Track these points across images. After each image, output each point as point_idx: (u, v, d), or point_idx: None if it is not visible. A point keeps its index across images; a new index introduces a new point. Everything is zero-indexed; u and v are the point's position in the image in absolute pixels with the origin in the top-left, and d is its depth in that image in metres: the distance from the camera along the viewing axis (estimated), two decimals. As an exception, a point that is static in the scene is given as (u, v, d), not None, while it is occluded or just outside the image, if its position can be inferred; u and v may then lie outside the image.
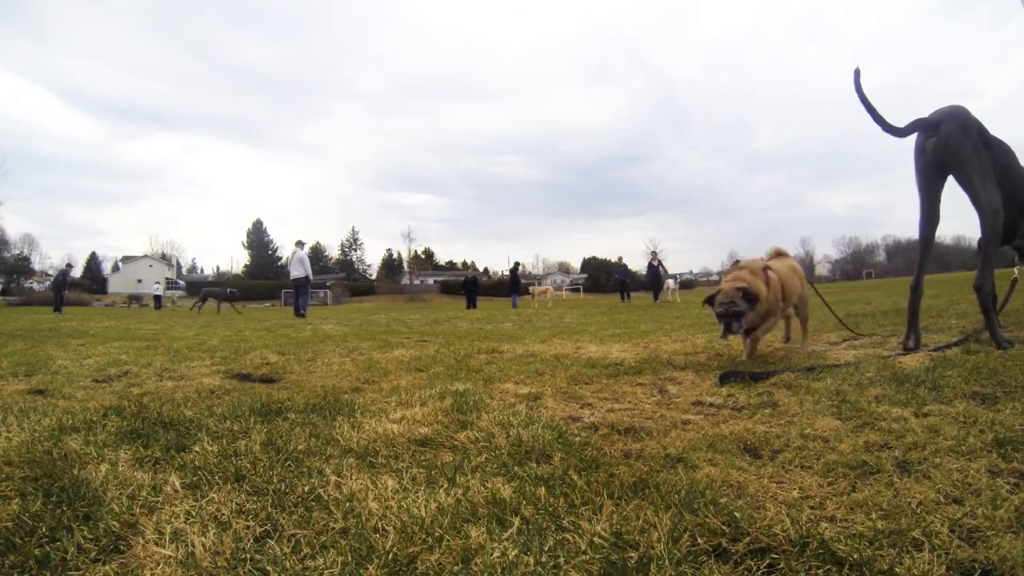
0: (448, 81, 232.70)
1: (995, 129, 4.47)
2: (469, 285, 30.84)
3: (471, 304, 29.10)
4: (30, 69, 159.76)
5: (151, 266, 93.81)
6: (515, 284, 29.89)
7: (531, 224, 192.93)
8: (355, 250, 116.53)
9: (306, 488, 1.90)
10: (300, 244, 18.65)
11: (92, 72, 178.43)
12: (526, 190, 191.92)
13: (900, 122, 4.52)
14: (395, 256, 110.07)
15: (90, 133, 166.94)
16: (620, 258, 34.48)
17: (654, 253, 27.82)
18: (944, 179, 4.52)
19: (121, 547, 1.56)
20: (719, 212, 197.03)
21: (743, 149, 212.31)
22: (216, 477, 2.02)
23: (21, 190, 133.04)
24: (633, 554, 1.46)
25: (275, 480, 1.98)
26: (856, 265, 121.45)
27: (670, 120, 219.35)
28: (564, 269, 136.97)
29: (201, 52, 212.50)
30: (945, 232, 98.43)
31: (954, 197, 4.52)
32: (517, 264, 31.34)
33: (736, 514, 1.63)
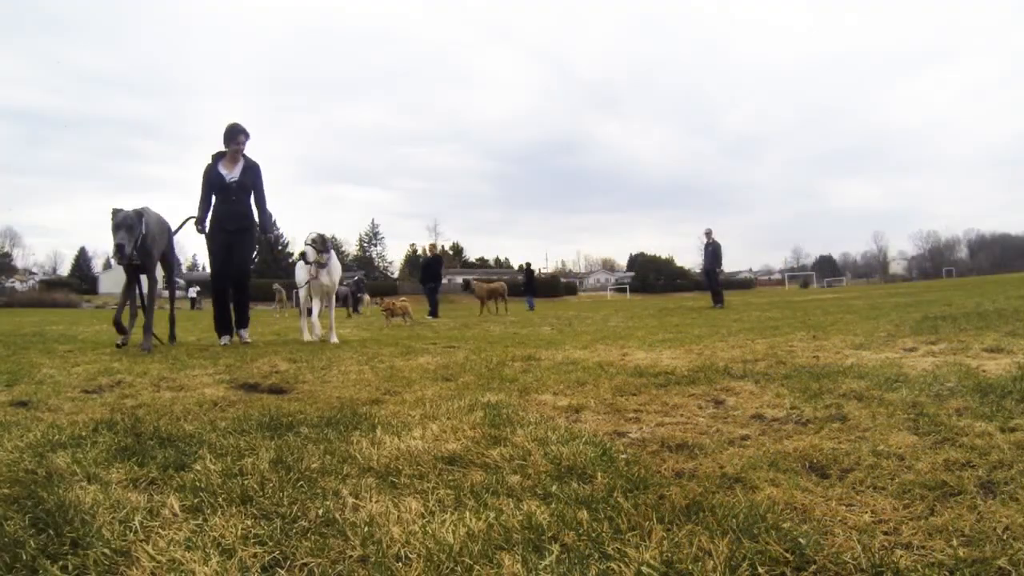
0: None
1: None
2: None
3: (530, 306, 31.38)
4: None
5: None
6: (530, 285, 32.71)
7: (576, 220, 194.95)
8: (375, 245, 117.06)
9: (320, 511, 1.92)
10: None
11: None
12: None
13: None
14: (419, 252, 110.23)
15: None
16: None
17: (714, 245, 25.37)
18: None
19: (114, 577, 1.58)
20: (736, 206, 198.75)
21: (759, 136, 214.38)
22: (219, 499, 2.04)
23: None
24: (686, 586, 1.45)
25: (285, 502, 2.00)
26: (935, 263, 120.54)
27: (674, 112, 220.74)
28: (609, 267, 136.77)
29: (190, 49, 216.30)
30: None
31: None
32: (529, 264, 34.76)
33: (801, 540, 1.62)
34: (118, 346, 8.02)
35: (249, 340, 9.36)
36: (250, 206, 9.42)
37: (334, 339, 9.34)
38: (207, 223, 9.17)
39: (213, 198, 9.23)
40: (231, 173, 9.19)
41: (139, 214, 7.99)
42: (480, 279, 29.88)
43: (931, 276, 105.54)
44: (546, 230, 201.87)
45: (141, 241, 8.02)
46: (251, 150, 9.41)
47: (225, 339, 9.07)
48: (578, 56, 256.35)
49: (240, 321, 9.53)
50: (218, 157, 9.29)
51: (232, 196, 9.20)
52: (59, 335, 11.03)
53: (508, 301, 26.50)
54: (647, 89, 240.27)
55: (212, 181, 9.18)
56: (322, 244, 9.61)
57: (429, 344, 8.37)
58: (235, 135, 9.24)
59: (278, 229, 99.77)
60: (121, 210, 7.97)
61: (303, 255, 9.66)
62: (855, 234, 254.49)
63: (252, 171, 9.37)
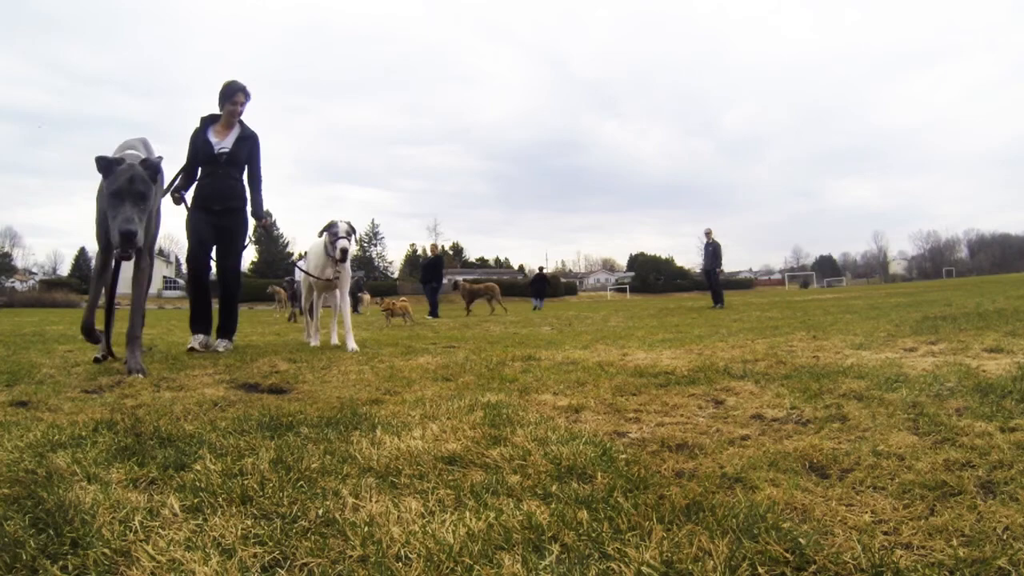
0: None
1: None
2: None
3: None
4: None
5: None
6: (540, 285, 33.48)
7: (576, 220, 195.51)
8: (375, 245, 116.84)
9: (320, 511, 1.92)
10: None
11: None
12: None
13: None
14: (419, 252, 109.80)
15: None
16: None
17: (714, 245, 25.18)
18: None
19: (114, 577, 1.58)
20: (736, 206, 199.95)
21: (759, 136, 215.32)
22: (219, 499, 2.04)
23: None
24: (686, 586, 1.45)
25: (285, 502, 2.00)
26: (935, 263, 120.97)
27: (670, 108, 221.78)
28: (609, 267, 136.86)
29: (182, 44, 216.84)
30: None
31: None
32: (542, 268, 36.47)
33: (801, 540, 1.62)
34: (97, 360, 5.99)
35: (221, 349, 7.57)
36: (242, 183, 7.80)
37: (352, 345, 7.73)
38: (187, 197, 7.54)
39: (199, 170, 7.66)
40: (222, 141, 7.57)
41: (152, 171, 5.41)
42: (473, 280, 30.25)
43: (931, 276, 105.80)
44: (546, 230, 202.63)
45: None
46: (251, 121, 7.95)
47: (199, 339, 7.46)
48: (577, 56, 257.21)
49: (226, 327, 7.93)
50: (209, 121, 7.71)
51: (220, 169, 7.55)
52: (59, 335, 10.99)
53: (504, 301, 26.56)
54: (646, 89, 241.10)
55: (198, 149, 7.56)
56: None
57: (429, 344, 8.36)
58: (232, 93, 7.58)
59: (277, 229, 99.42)
60: (120, 162, 5.28)
61: (343, 252, 8.01)
62: (855, 234, 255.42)
63: (248, 142, 7.72)
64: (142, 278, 5.96)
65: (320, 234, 8.42)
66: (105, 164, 5.21)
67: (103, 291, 6.13)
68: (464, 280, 29.39)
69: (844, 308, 13.96)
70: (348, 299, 8.64)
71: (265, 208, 7.91)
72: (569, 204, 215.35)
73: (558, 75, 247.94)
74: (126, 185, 5.10)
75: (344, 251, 8.04)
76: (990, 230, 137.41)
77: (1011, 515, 1.76)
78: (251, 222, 7.93)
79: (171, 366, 5.88)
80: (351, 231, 8.19)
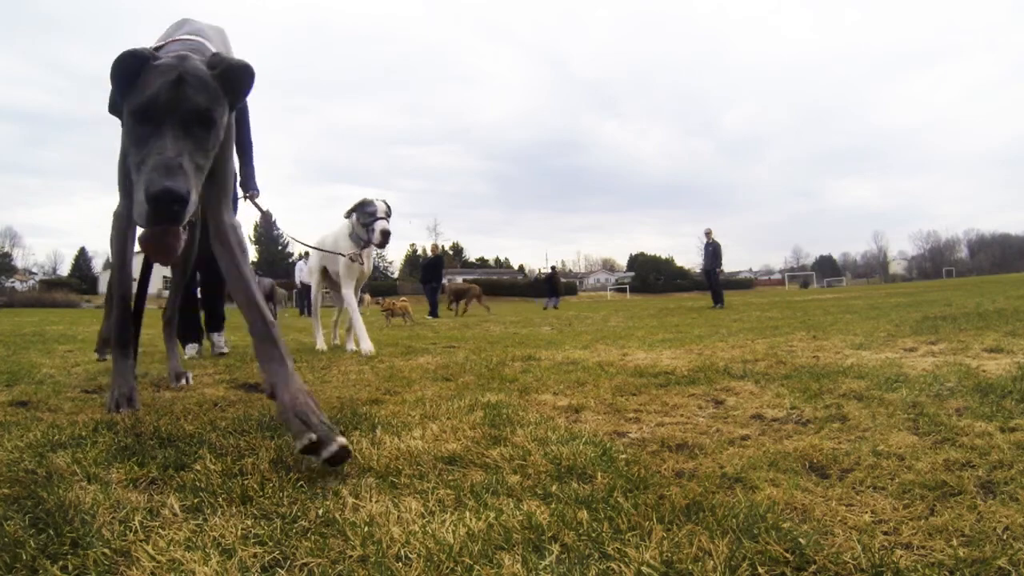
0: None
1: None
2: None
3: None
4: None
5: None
6: (552, 284, 33.57)
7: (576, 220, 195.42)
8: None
9: (320, 511, 1.92)
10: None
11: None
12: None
13: None
14: (419, 252, 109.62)
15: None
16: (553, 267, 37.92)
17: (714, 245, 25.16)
18: None
19: (114, 577, 1.58)
20: (736, 206, 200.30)
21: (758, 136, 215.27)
22: (219, 499, 2.04)
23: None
24: (686, 586, 1.45)
25: (285, 502, 2.00)
26: (935, 263, 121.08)
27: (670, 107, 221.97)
28: (609, 267, 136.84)
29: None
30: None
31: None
32: (554, 267, 36.27)
33: (801, 540, 1.62)
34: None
35: (226, 349, 7.16)
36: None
37: (366, 347, 6.82)
38: None
39: None
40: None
41: (228, 76, 2.56)
42: (473, 281, 30.79)
43: (931, 276, 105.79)
44: (546, 230, 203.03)
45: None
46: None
47: (192, 348, 6.77)
48: (577, 56, 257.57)
49: (213, 322, 7.19)
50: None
51: None
52: (59, 335, 10.98)
53: (504, 302, 26.86)
54: (646, 89, 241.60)
55: None
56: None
57: (429, 344, 8.36)
58: None
59: (278, 229, 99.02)
60: (156, 57, 2.48)
61: (384, 235, 6.83)
62: (855, 234, 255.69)
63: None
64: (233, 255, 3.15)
65: (348, 214, 7.24)
66: (137, 59, 2.48)
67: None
68: (457, 280, 29.81)
69: (844, 308, 13.97)
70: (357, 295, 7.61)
71: (268, 212, 7.10)
72: (569, 204, 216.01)
73: (558, 75, 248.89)
74: (168, 96, 2.38)
75: (386, 234, 6.85)
76: (990, 230, 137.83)
77: (1011, 515, 1.76)
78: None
79: (171, 366, 5.86)
80: (389, 211, 7.01)
